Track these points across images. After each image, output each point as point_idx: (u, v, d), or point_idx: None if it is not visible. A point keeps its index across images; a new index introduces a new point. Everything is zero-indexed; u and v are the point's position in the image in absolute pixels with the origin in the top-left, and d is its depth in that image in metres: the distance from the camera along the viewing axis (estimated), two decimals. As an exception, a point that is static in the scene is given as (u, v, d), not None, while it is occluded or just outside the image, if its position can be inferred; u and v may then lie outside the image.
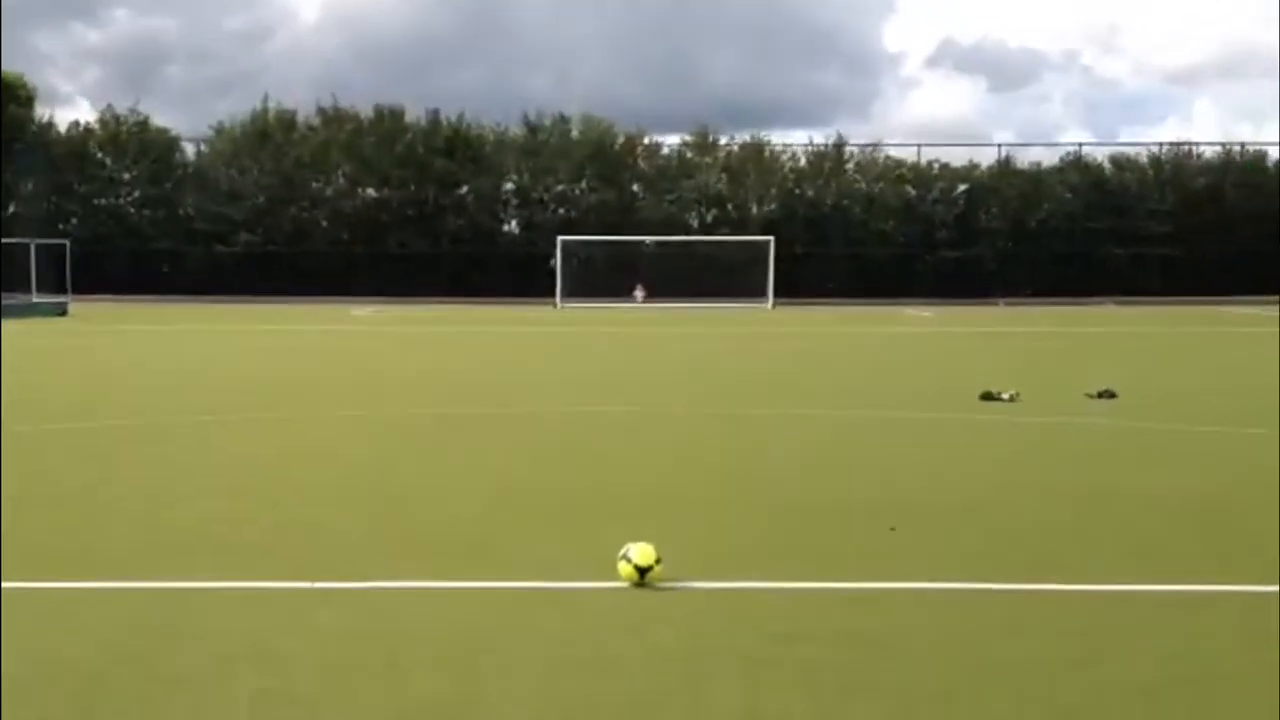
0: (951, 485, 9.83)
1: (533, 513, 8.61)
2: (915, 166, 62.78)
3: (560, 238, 52.41)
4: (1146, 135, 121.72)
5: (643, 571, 6.54)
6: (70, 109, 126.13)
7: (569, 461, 11.06)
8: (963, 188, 62.33)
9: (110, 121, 62.41)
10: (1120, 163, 62.61)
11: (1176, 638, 5.84)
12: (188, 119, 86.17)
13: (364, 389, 17.42)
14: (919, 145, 63.71)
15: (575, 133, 62.16)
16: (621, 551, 6.66)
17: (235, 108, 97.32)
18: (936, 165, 63.16)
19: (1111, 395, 15.58)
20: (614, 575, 6.59)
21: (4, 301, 38.12)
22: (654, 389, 17.68)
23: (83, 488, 9.62)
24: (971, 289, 56.02)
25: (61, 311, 40.00)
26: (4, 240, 43.32)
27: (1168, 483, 9.97)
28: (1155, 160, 62.22)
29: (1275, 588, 6.61)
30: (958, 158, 63.66)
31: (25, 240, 44.82)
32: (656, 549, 6.63)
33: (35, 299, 42.36)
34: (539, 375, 20.35)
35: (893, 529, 8.07)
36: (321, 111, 62.76)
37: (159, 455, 11.27)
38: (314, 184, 61.47)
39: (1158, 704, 4.96)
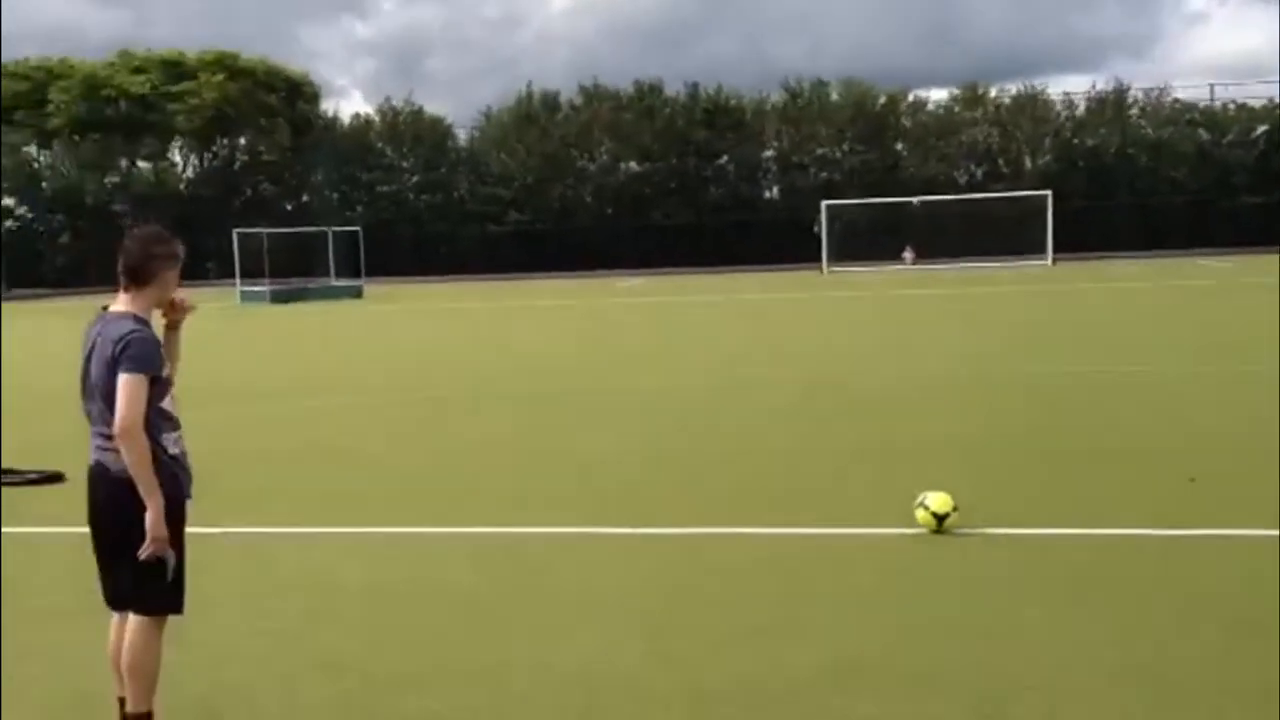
0: (1252, 436, 8.70)
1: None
2: (1207, 108, 58.44)
3: (824, 202, 51.34)
4: None
5: (940, 518, 6.34)
6: (346, 101, 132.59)
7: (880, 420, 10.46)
8: (1262, 128, 57.53)
9: (388, 112, 65.33)
10: None
11: None
12: (453, 106, 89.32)
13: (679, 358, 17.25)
14: (1211, 84, 59.33)
15: (835, 95, 60.91)
16: (918, 499, 6.44)
17: (495, 92, 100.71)
18: (1231, 106, 58.61)
19: None
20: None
21: (308, 285, 40.44)
22: (943, 354, 16.79)
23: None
24: (1276, 237, 51.62)
25: (358, 294, 42.03)
26: (304, 229, 45.92)
27: None
28: None
29: None
30: (1255, 96, 58.89)
31: (323, 229, 47.39)
32: (954, 497, 6.33)
33: (334, 282, 44.67)
34: (820, 343, 19.73)
35: (1192, 479, 7.19)
36: (583, 90, 63.83)
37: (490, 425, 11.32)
38: (578, 162, 62.58)
39: None
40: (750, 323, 23.83)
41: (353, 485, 8.42)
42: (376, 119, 65.89)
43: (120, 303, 3.92)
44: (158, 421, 3.83)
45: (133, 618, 3.93)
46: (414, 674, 4.60)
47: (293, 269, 45.93)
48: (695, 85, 61.98)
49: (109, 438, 3.81)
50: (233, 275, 42.67)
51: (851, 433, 9.90)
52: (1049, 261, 46.63)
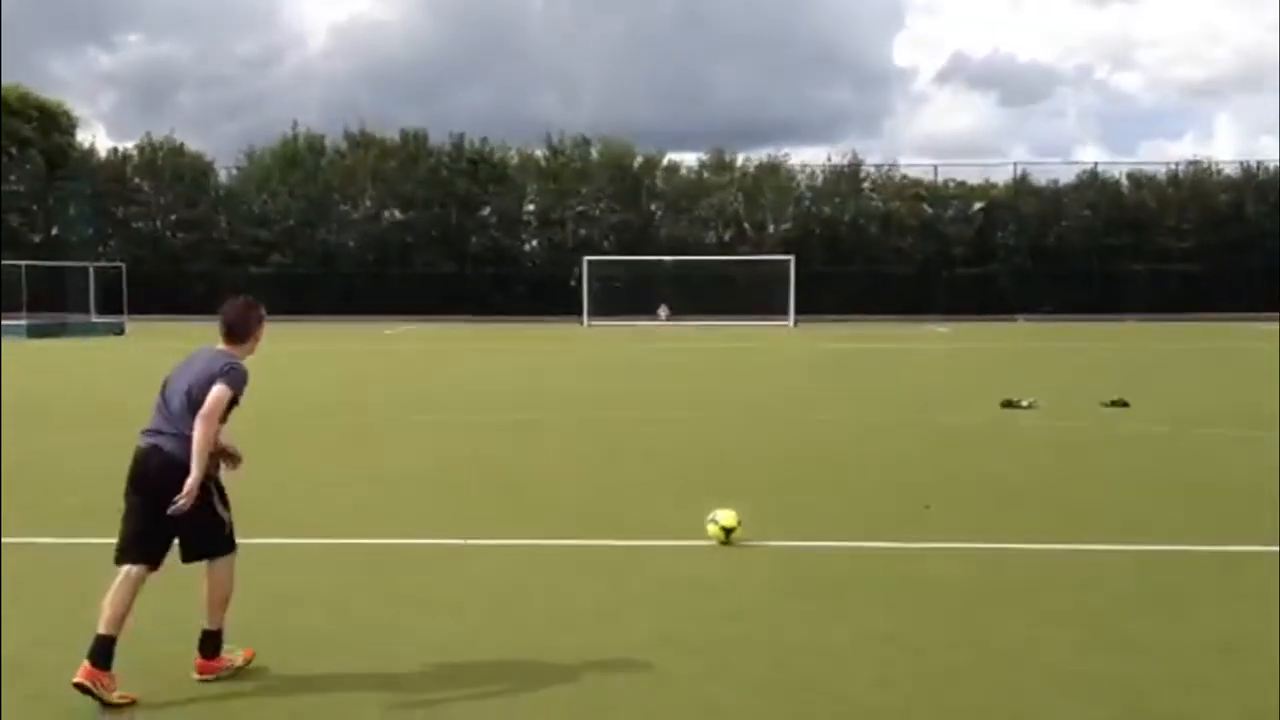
0: (977, 474, 11.01)
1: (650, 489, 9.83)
2: (931, 185, 63.99)
3: (586, 258, 53.69)
4: (1165, 150, 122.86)
5: (728, 532, 7.94)
6: (84, 132, 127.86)
7: (647, 456, 12.26)
8: (979, 205, 63.48)
9: (146, 147, 64.11)
10: (1139, 180, 63.48)
11: None
12: (202, 142, 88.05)
13: (433, 400, 18.63)
14: (935, 164, 65.11)
15: (595, 154, 63.62)
16: (710, 516, 8.03)
17: (244, 130, 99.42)
18: (952, 183, 64.36)
19: (1124, 404, 16.69)
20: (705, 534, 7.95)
21: (67, 320, 39.75)
22: (701, 401, 18.86)
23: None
24: (990, 306, 57.03)
25: (119, 330, 41.47)
26: (65, 263, 44.99)
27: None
28: (1174, 177, 63.05)
29: None
30: (974, 175, 65.01)
31: (85, 264, 46.42)
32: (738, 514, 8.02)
33: (95, 319, 43.85)
34: (579, 388, 21.56)
35: (927, 506, 9.29)
36: (348, 136, 64.41)
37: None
38: (341, 206, 63.03)
39: None
40: (520, 368, 25.49)
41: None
42: (135, 153, 64.58)
43: (222, 345, 5.48)
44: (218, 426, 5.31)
45: (221, 560, 5.42)
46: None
47: (48, 304, 44.90)
48: (460, 136, 63.58)
49: (171, 428, 5.28)
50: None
51: (632, 465, 11.69)
52: (791, 322, 50.27)
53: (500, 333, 42.82)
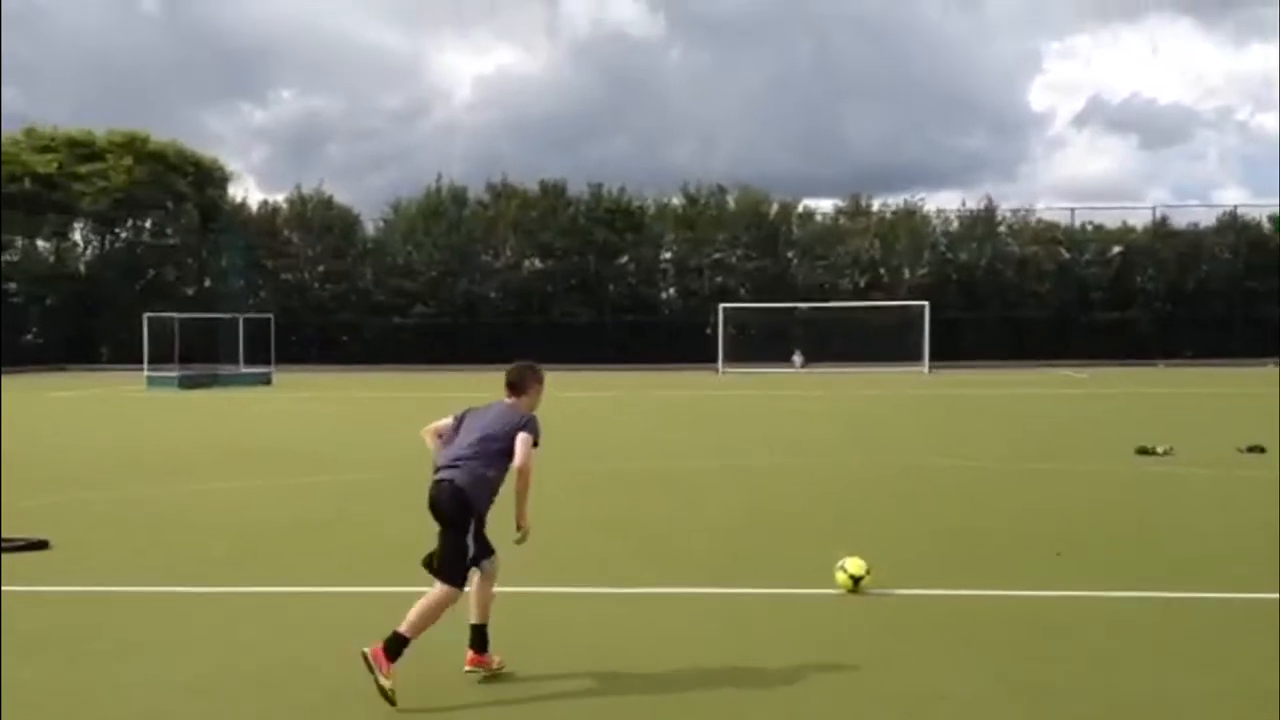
0: (1108, 521, 11.29)
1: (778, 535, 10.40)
2: (1068, 229, 63.28)
3: (721, 305, 54.40)
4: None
5: (856, 580, 8.27)
6: (234, 186, 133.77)
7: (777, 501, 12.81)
8: (1117, 249, 62.54)
9: (296, 200, 66.99)
10: (1280, 222, 62.04)
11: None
12: (349, 194, 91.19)
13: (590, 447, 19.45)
14: (1072, 208, 64.45)
15: (731, 202, 64.46)
16: (839, 563, 8.40)
17: (390, 182, 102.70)
18: (1090, 227, 63.57)
19: (1261, 450, 16.66)
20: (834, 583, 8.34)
21: (218, 371, 41.55)
22: (839, 446, 19.31)
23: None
24: (1128, 350, 56.06)
25: (266, 381, 43.24)
26: (214, 315, 47.18)
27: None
28: (1318, 218, 61.50)
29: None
30: (1111, 219, 64.13)
31: (234, 315, 48.61)
32: (866, 562, 8.36)
33: (243, 369, 45.86)
34: (711, 436, 22.14)
35: (1058, 554, 9.63)
36: (490, 187, 66.45)
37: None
38: (483, 256, 64.89)
39: None
40: (661, 416, 26.19)
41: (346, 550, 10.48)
42: (285, 206, 67.50)
43: (511, 400, 6.49)
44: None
45: (441, 588, 6.13)
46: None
47: (199, 354, 47.09)
48: (599, 186, 65.14)
49: (466, 462, 6.19)
50: (128, 360, 43.27)
51: (765, 513, 12.23)
52: (925, 368, 50.14)
53: (637, 380, 43.65)
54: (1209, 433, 20.20)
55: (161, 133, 66.38)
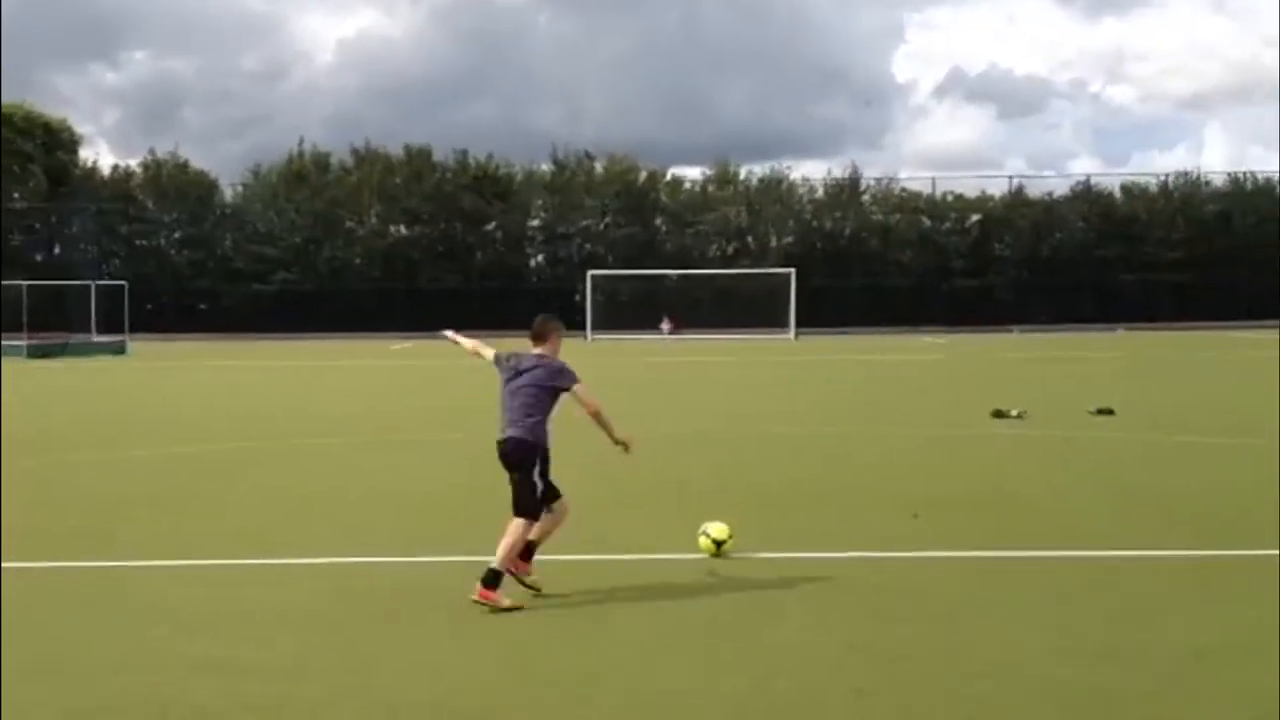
0: (964, 483, 11.51)
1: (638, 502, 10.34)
2: (929, 198, 64.64)
3: (590, 272, 54.28)
4: (1158, 161, 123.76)
5: (719, 544, 8.30)
6: (88, 150, 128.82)
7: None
8: (976, 218, 64.11)
9: (151, 165, 64.76)
10: (1131, 191, 64.33)
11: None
12: (207, 158, 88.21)
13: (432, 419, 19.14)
14: (933, 177, 65.88)
15: (600, 169, 64.27)
16: (701, 529, 8.38)
17: (250, 147, 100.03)
18: (950, 196, 65.03)
19: (1110, 412, 17.20)
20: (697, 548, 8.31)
21: (69, 340, 40.10)
22: (696, 413, 19.38)
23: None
24: (987, 317, 57.58)
25: (120, 350, 41.88)
26: (66, 282, 45.56)
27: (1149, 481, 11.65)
28: (1165, 188, 63.86)
29: None
30: (971, 188, 65.73)
31: (86, 282, 46.91)
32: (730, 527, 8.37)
33: (96, 338, 44.29)
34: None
35: (915, 516, 9.76)
36: (354, 152, 65.16)
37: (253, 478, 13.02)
38: (348, 223, 63.63)
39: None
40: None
41: (197, 525, 10.15)
42: (139, 171, 65.24)
43: (537, 350, 7.58)
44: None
45: (518, 521, 7.22)
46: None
47: (51, 323, 45.36)
48: (465, 152, 64.33)
49: (520, 420, 7.35)
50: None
51: (632, 476, 12.18)
52: (792, 335, 50.79)
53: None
54: (1061, 396, 20.78)
55: (7, 94, 63.47)
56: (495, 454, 7.41)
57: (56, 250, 64.16)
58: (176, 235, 64.31)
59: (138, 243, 64.09)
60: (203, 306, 61.81)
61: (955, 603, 7.22)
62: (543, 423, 7.44)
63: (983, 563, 8.33)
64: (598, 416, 7.48)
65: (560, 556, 8.38)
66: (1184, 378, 26.62)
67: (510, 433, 7.37)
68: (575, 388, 7.43)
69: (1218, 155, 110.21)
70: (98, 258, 61.24)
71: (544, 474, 7.42)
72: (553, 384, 7.46)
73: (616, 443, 7.61)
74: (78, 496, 11.32)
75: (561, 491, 7.54)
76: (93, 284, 46.78)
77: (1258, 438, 14.47)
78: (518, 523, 7.21)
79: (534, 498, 7.31)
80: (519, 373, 7.49)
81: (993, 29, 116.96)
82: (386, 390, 25.45)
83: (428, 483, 12.09)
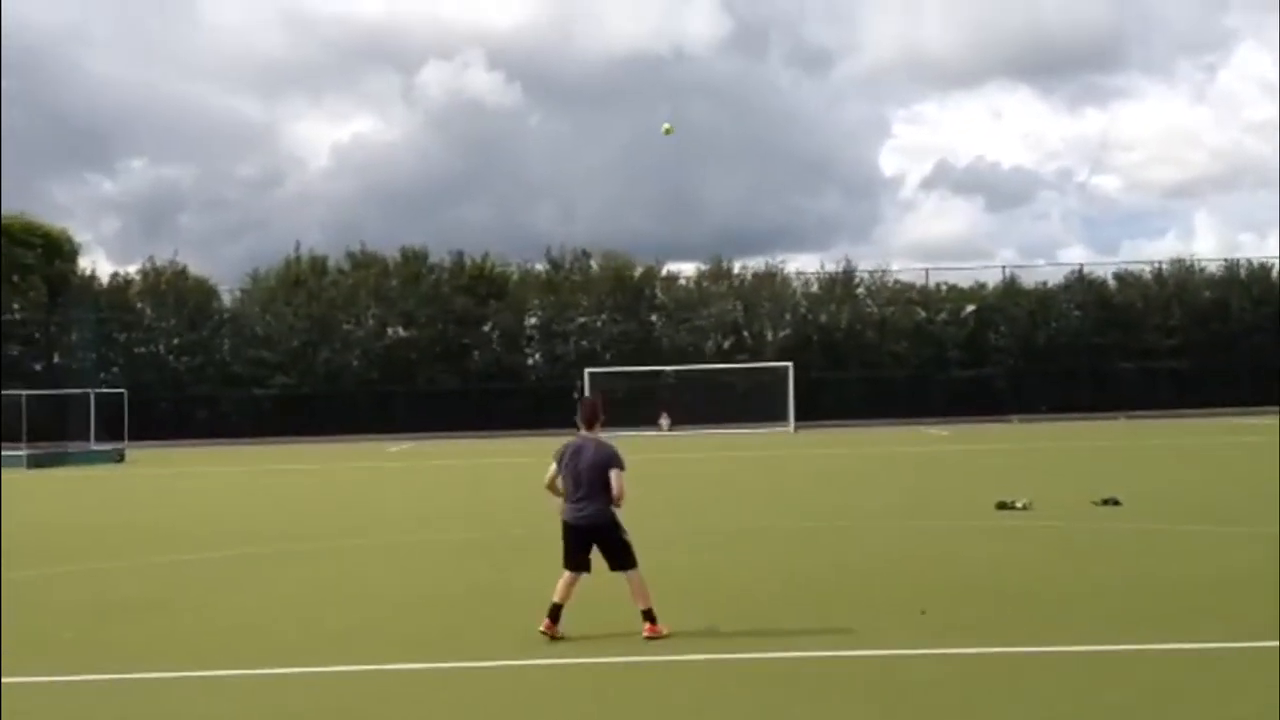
0: (971, 577, 11.37)
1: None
2: (923, 288, 65.02)
3: (587, 370, 54.36)
4: (1147, 249, 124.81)
5: None
6: (87, 258, 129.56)
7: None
8: (971, 308, 64.39)
9: (150, 272, 65.15)
10: (1124, 279, 64.67)
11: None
12: (206, 264, 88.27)
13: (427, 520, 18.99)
14: (926, 268, 66.38)
15: (595, 266, 64.71)
16: None
17: (248, 252, 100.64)
18: (944, 286, 65.38)
19: (1116, 502, 17.09)
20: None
21: (68, 449, 40.01)
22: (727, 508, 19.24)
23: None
24: (985, 407, 57.57)
25: (119, 458, 41.71)
26: (65, 391, 45.66)
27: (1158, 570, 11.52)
28: (1159, 275, 64.23)
29: None
30: (964, 278, 66.14)
31: (85, 390, 46.98)
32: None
33: (94, 446, 44.14)
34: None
35: (923, 612, 9.62)
36: (350, 255, 65.62)
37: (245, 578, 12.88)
38: (344, 325, 63.86)
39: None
40: (520, 482, 25.85)
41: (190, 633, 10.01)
42: (137, 278, 65.60)
43: (586, 431, 9.23)
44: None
45: (632, 571, 9.03)
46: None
47: (50, 432, 45.31)
48: (460, 253, 64.85)
49: (589, 501, 9.00)
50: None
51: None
52: (790, 428, 50.70)
53: (501, 448, 43.22)
54: (1065, 486, 20.68)
55: (7, 205, 64.04)
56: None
57: (56, 359, 64.23)
58: (175, 341, 64.40)
59: (136, 350, 64.21)
60: (201, 412, 61.72)
61: (966, 701, 7.11)
62: (607, 500, 9.01)
63: (993, 659, 8.20)
64: (618, 501, 9.00)
65: (552, 661, 8.26)
66: (1187, 465, 26.53)
67: (586, 512, 8.96)
68: (616, 473, 8.99)
69: (1208, 242, 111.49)
70: (96, 366, 61.24)
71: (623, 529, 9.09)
72: (607, 463, 8.98)
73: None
74: (75, 606, 11.17)
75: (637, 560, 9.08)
76: (91, 392, 46.82)
77: (1262, 525, 14.36)
78: (633, 572, 8.92)
79: (629, 549, 8.99)
80: (579, 453, 9.04)
81: (978, 122, 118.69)
82: (389, 492, 25.28)
83: (426, 585, 11.94)
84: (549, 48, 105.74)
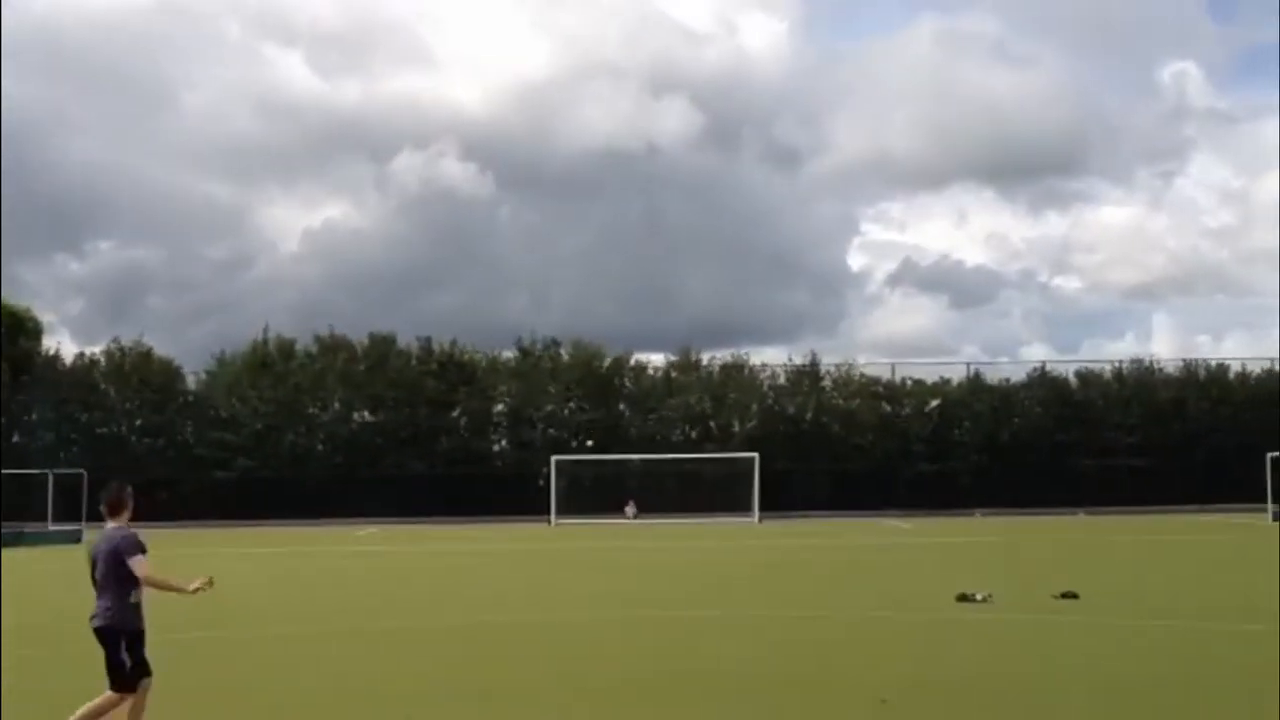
0: (931, 669, 11.52)
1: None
2: (889, 383, 65.62)
3: (554, 457, 54.39)
4: (1107, 348, 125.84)
5: None
6: (50, 338, 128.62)
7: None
8: (935, 403, 64.96)
9: (115, 353, 64.80)
10: (1085, 377, 65.57)
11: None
12: (168, 346, 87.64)
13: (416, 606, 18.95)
14: (892, 363, 67.01)
15: (565, 355, 64.99)
16: None
17: (214, 334, 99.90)
18: (909, 381, 65.99)
19: (1074, 596, 17.30)
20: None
21: (23, 530, 39.47)
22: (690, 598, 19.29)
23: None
24: (948, 500, 57.87)
25: (77, 539, 41.21)
26: (23, 471, 45.18)
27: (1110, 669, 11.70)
28: (1119, 374, 65.22)
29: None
30: (929, 373, 66.78)
31: (44, 471, 46.49)
32: None
33: (51, 527, 43.61)
34: (542, 589, 21.90)
35: (884, 701, 9.76)
36: (319, 339, 65.57)
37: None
38: (309, 409, 63.62)
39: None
40: (493, 570, 25.83)
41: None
42: (102, 359, 65.25)
43: (111, 523, 8.00)
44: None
45: (106, 693, 7.96)
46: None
47: (8, 513, 44.68)
48: (429, 339, 64.98)
49: (106, 602, 7.80)
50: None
51: (586, 663, 12.12)
52: (755, 519, 50.78)
53: (468, 534, 43.03)
54: (1026, 580, 20.87)
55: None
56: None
57: (15, 438, 63.54)
58: (137, 423, 63.88)
59: (98, 430, 63.57)
60: (162, 494, 61.01)
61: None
62: (127, 604, 7.90)
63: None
64: (150, 583, 7.88)
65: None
66: (1145, 561, 26.80)
67: (99, 619, 7.92)
68: (135, 560, 7.82)
69: (1166, 343, 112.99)
70: (56, 445, 60.59)
71: (131, 649, 7.91)
72: (122, 552, 7.84)
73: (194, 590, 8.06)
74: (28, 696, 11.12)
75: (151, 670, 8.07)
76: (50, 473, 46.35)
77: (1218, 621, 14.60)
78: (105, 696, 7.92)
79: (122, 674, 7.86)
80: (100, 544, 7.99)
81: (944, 222, 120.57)
82: (353, 577, 25.16)
83: (387, 678, 11.97)
84: (523, 140, 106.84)
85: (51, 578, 26.45)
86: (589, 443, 60.92)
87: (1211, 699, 9.81)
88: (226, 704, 10.34)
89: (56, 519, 45.18)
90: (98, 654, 7.99)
